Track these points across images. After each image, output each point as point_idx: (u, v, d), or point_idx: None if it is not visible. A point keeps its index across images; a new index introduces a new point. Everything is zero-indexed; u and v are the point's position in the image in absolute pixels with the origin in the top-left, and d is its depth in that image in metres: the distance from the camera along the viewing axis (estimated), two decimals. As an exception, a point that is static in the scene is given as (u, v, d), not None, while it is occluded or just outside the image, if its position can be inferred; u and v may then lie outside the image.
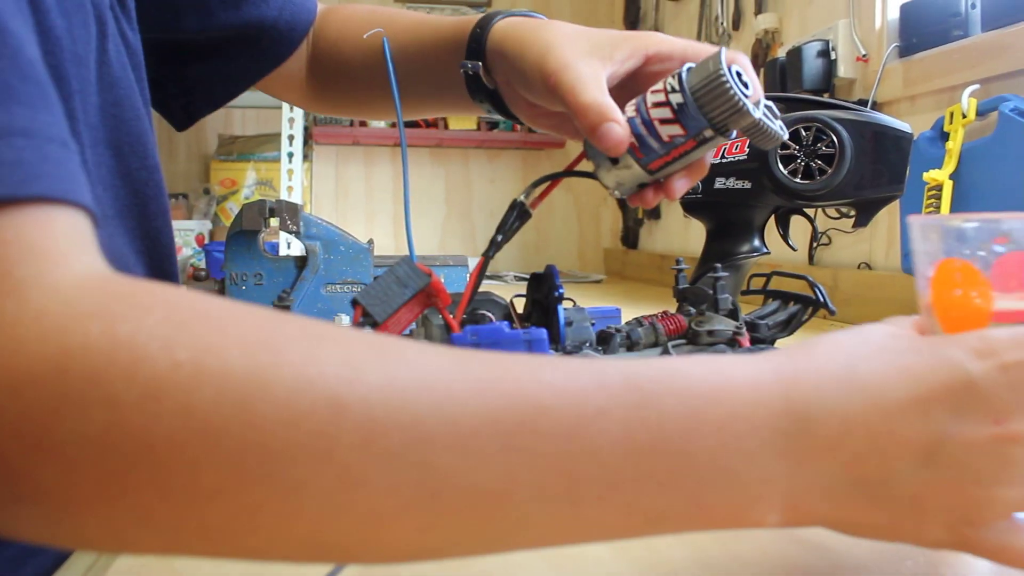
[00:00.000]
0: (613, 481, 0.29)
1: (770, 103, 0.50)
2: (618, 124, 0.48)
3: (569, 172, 0.53)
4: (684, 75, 0.48)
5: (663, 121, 0.48)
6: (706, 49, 0.52)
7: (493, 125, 3.00)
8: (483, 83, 0.59)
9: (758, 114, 0.47)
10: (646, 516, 0.30)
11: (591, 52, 0.52)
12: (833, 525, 0.33)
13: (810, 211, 0.78)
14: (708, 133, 0.47)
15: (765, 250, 0.77)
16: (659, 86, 0.49)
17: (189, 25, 0.66)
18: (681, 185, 0.51)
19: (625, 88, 0.53)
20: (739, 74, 0.47)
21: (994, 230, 0.35)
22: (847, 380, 0.32)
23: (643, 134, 0.48)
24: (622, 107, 0.50)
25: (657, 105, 0.48)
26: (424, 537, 0.28)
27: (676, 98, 0.47)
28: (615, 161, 0.49)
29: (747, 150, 0.74)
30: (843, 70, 1.50)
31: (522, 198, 0.52)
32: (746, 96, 0.47)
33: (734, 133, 0.48)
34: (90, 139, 0.48)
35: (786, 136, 0.49)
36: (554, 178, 0.53)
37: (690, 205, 0.78)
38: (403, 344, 0.30)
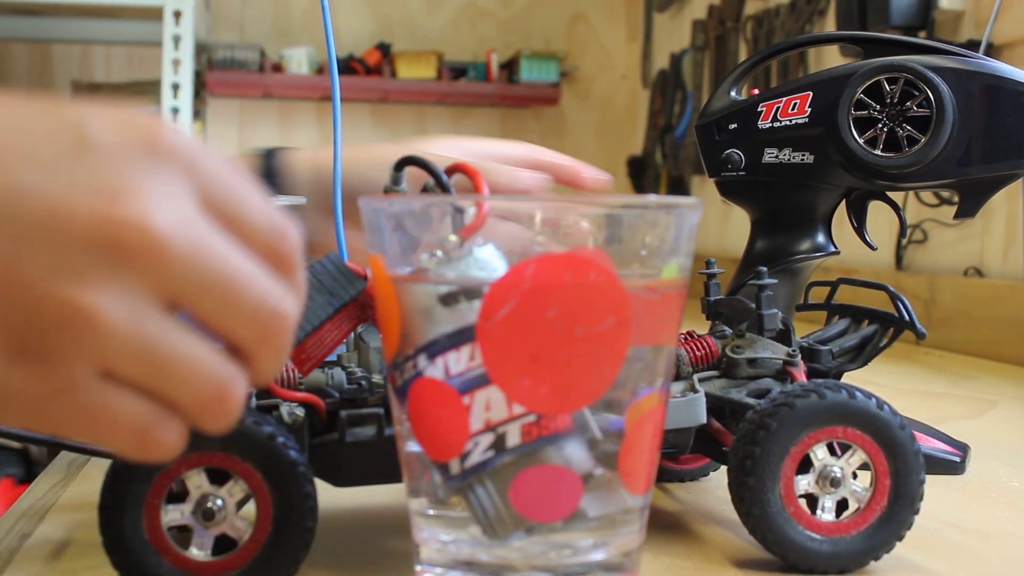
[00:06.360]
0: None
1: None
2: None
3: None
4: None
5: None
6: None
7: (459, 73, 3.00)
8: None
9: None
10: None
11: None
12: None
13: (896, 195, 0.79)
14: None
15: (832, 249, 0.77)
16: None
17: None
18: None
19: None
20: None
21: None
22: None
23: None
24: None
25: None
26: None
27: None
28: None
29: (808, 110, 0.75)
30: (946, 1, 1.52)
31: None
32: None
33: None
34: None
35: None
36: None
37: (728, 186, 0.78)
38: None
